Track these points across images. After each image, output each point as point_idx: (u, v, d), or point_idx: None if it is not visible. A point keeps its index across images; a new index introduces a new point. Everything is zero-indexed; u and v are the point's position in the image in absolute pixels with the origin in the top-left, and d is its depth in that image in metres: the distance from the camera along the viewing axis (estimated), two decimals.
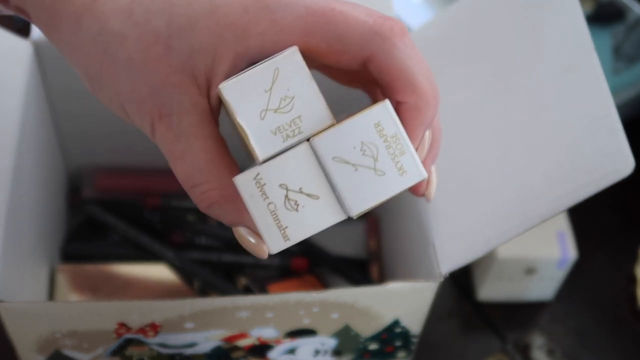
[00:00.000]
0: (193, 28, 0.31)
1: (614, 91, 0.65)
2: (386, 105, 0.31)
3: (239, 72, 0.32)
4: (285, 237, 0.32)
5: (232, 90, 0.31)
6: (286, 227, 0.31)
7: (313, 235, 0.32)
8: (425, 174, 0.31)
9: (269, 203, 0.31)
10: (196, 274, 0.56)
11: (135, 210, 0.60)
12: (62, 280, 0.55)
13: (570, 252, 0.57)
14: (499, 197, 0.44)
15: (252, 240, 0.33)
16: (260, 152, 0.31)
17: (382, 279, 0.59)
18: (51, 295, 0.55)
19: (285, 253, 0.58)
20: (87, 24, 0.32)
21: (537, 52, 0.45)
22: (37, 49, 0.50)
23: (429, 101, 0.32)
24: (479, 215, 0.44)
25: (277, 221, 0.31)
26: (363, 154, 0.31)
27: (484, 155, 0.46)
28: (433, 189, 0.35)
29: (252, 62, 0.32)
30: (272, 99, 0.31)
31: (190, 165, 0.32)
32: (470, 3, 0.50)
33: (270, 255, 0.61)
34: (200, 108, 0.32)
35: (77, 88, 0.54)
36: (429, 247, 0.45)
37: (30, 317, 0.43)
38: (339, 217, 0.32)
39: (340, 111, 0.35)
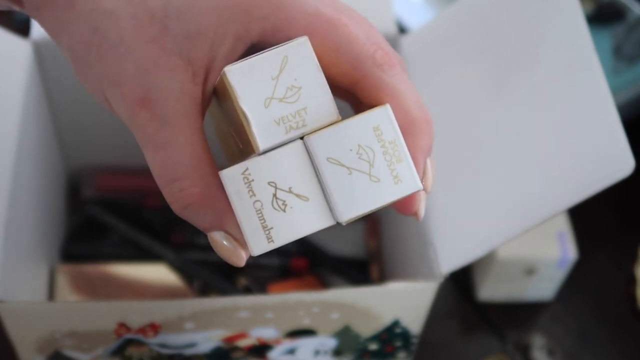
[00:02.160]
0: (191, 9, 0.30)
1: (614, 91, 0.65)
2: (387, 109, 0.30)
3: (238, 56, 0.31)
4: (269, 239, 0.29)
5: (238, 74, 0.29)
6: (271, 228, 0.29)
7: (310, 235, 0.31)
8: (420, 186, 0.30)
9: (256, 201, 0.29)
10: (196, 274, 0.56)
11: (135, 210, 0.60)
12: (62, 280, 0.55)
13: (570, 252, 0.57)
14: (499, 198, 0.44)
15: (229, 245, 0.31)
16: (261, 142, 0.29)
17: (382, 279, 0.59)
18: (51, 295, 0.55)
19: (285, 253, 0.58)
20: (81, 1, 0.30)
21: (537, 52, 0.45)
22: (37, 49, 0.50)
23: (421, 127, 0.31)
24: (479, 215, 0.44)
25: (263, 221, 0.29)
26: (359, 158, 0.30)
27: (483, 155, 0.46)
28: (423, 209, 0.33)
29: (252, 47, 0.31)
30: (278, 87, 0.30)
31: (172, 157, 0.30)
32: (470, 3, 0.50)
33: (269, 256, 0.61)
34: (190, 97, 0.30)
35: (77, 88, 0.54)
36: (429, 247, 0.45)
37: (30, 317, 0.43)
38: (328, 222, 0.30)
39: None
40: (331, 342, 0.48)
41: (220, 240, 0.31)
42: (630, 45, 0.69)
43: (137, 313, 0.43)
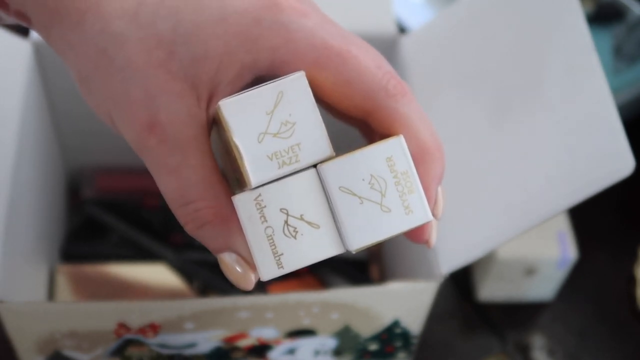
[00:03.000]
0: (199, 35, 0.30)
1: (614, 91, 0.65)
2: (400, 140, 0.30)
3: (243, 85, 0.31)
4: (279, 265, 0.30)
5: (232, 109, 0.29)
6: (282, 254, 0.30)
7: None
8: (431, 217, 0.30)
9: (267, 227, 0.30)
10: (196, 274, 0.56)
11: (135, 210, 0.60)
12: (62, 280, 0.55)
13: (570, 252, 0.57)
14: (499, 198, 0.44)
15: (239, 269, 0.31)
16: (253, 177, 0.29)
17: (382, 279, 0.59)
18: (51, 295, 0.55)
19: None
20: (90, 21, 0.30)
21: (538, 52, 0.45)
22: (37, 49, 0.50)
23: (434, 155, 0.32)
24: (479, 215, 0.44)
25: (273, 247, 0.30)
26: (371, 187, 0.30)
27: (483, 155, 0.46)
28: (435, 237, 0.34)
29: (258, 77, 0.31)
30: (272, 122, 0.30)
31: (186, 180, 0.30)
32: (470, 3, 0.50)
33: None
34: (197, 121, 0.30)
35: (77, 88, 0.54)
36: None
37: (30, 317, 0.43)
38: (338, 249, 0.30)
39: (338, 140, 0.34)
40: (331, 342, 0.48)
41: (230, 263, 0.31)
42: (630, 45, 0.69)
43: (137, 313, 0.43)
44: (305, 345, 0.48)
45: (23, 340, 0.45)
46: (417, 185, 0.30)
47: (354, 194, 0.30)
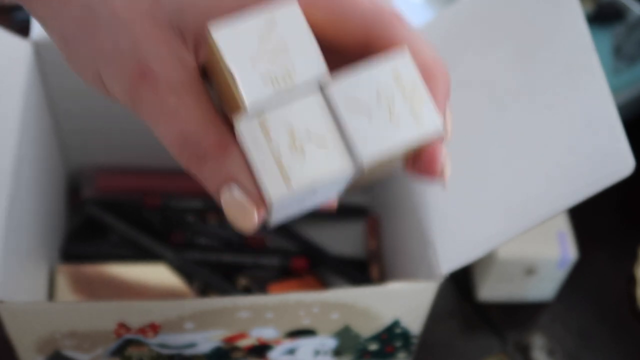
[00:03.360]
0: None
1: (614, 91, 0.65)
2: (405, 54, 0.30)
3: None
4: (288, 183, 0.28)
5: (223, 34, 0.29)
6: (289, 172, 0.28)
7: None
8: (441, 126, 0.29)
9: (272, 146, 0.29)
10: (196, 274, 0.56)
11: (135, 210, 0.60)
12: (61, 280, 0.55)
13: (570, 252, 0.57)
14: (499, 198, 0.44)
15: (245, 202, 0.29)
16: (247, 97, 0.28)
17: (382, 279, 0.59)
18: (51, 295, 0.55)
19: (285, 253, 0.58)
20: None
21: (537, 52, 0.45)
22: (37, 49, 0.50)
23: (439, 70, 0.31)
24: (479, 215, 0.44)
25: (280, 166, 0.29)
26: (378, 103, 0.29)
27: (484, 155, 0.46)
28: (449, 170, 0.32)
29: None
30: (265, 46, 0.29)
31: (184, 121, 0.30)
32: (470, 3, 0.50)
33: (269, 255, 0.61)
34: (187, 64, 0.30)
35: (77, 88, 0.54)
36: (429, 247, 0.45)
37: (30, 317, 0.43)
38: (348, 165, 0.29)
39: None
40: (331, 342, 0.48)
41: (232, 199, 0.30)
42: (630, 45, 0.69)
43: (137, 313, 0.43)
44: (305, 345, 0.48)
45: (23, 340, 0.45)
46: (425, 96, 0.29)
47: (362, 110, 0.29)
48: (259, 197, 0.29)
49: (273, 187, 0.28)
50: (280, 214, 0.31)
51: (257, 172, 0.29)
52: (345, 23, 0.31)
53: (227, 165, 0.29)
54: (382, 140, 0.29)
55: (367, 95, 0.29)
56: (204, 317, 0.44)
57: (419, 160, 0.31)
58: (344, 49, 0.32)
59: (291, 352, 0.48)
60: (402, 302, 0.46)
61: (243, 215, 0.29)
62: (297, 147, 0.29)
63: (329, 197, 0.33)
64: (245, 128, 0.29)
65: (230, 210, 0.30)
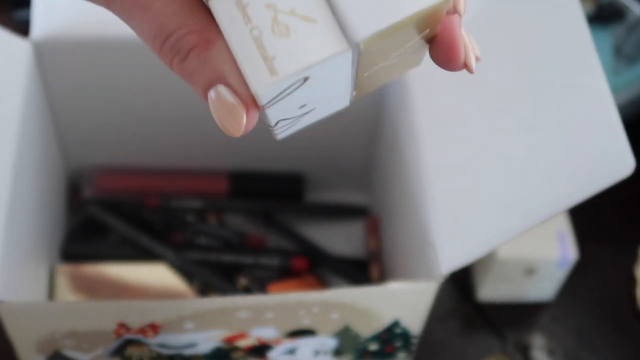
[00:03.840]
0: None
1: (614, 91, 0.65)
2: None
3: None
4: (272, 71, 0.25)
5: None
6: (274, 57, 0.25)
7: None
8: None
9: (253, 28, 0.25)
10: (196, 274, 0.56)
11: (135, 210, 0.60)
12: (61, 280, 0.55)
13: (570, 252, 0.57)
14: (499, 197, 0.44)
15: (232, 101, 0.26)
16: None
17: (382, 279, 0.59)
18: (51, 295, 0.55)
19: (285, 253, 0.58)
20: None
21: (537, 52, 0.45)
22: (37, 49, 0.50)
23: None
24: (479, 215, 0.44)
25: (262, 50, 0.25)
26: None
27: (484, 155, 0.46)
28: (473, 57, 0.29)
29: None
30: None
31: (162, 13, 0.27)
32: (470, 3, 0.50)
33: (269, 255, 0.61)
34: None
35: (77, 88, 0.55)
36: (429, 247, 0.45)
37: (30, 317, 0.43)
38: (341, 45, 0.25)
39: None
40: (331, 342, 0.48)
41: (218, 99, 0.27)
42: (630, 45, 0.69)
43: (137, 313, 0.43)
44: (305, 345, 0.48)
45: (23, 340, 0.45)
46: None
47: None
48: (248, 96, 0.26)
49: (256, 76, 0.25)
50: (276, 115, 0.27)
51: (238, 58, 0.25)
52: None
53: (212, 59, 0.27)
54: (380, 14, 0.25)
55: None
56: (204, 317, 0.44)
57: (437, 46, 0.28)
58: None
59: (291, 352, 0.48)
60: (402, 302, 0.46)
61: (231, 117, 0.27)
62: (280, 27, 0.25)
63: (335, 99, 0.29)
64: (220, 7, 0.25)
65: (216, 110, 0.27)
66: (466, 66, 0.29)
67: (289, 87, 0.25)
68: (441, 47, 0.28)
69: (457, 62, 0.28)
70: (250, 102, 0.26)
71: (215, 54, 0.26)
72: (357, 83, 0.28)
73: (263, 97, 0.25)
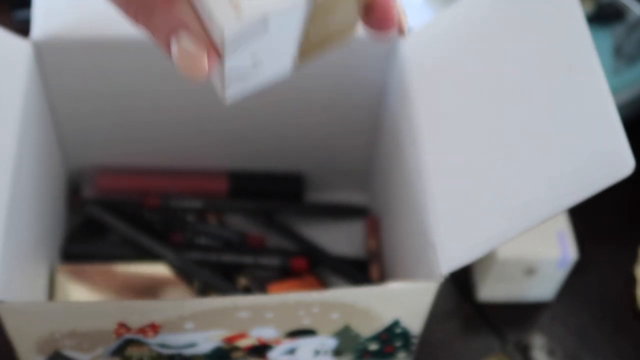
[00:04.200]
0: None
1: (614, 91, 0.65)
2: None
3: None
4: (238, 13, 0.25)
5: None
6: (240, 2, 0.25)
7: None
8: None
9: None
10: (196, 274, 0.56)
11: (135, 210, 0.60)
12: (61, 280, 0.55)
13: (570, 252, 0.57)
14: (499, 197, 0.44)
15: (194, 48, 0.28)
16: None
17: (382, 279, 0.59)
18: (51, 295, 0.55)
19: (285, 253, 0.58)
20: None
21: (537, 52, 0.45)
22: (37, 49, 0.50)
23: None
24: (479, 215, 0.44)
25: None
26: None
27: (484, 155, 0.46)
28: (405, 20, 0.30)
29: None
30: None
31: None
32: (470, 3, 0.50)
33: (269, 255, 0.61)
34: None
35: (77, 88, 0.55)
36: (429, 247, 0.45)
37: (30, 317, 0.43)
38: None
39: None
40: (331, 342, 0.48)
41: (182, 46, 0.28)
42: (630, 45, 0.69)
43: (137, 313, 0.43)
44: (305, 345, 0.48)
45: (23, 340, 0.45)
46: None
47: None
48: (208, 41, 0.28)
49: (223, 16, 0.26)
50: (232, 65, 0.28)
51: (206, 4, 0.26)
52: None
53: (175, 13, 0.28)
54: None
55: None
56: (204, 317, 0.44)
57: (373, 11, 0.29)
58: None
59: (291, 352, 0.48)
60: (402, 302, 0.46)
61: (194, 63, 0.28)
62: None
63: (282, 57, 0.29)
64: None
65: (180, 58, 0.28)
66: (399, 28, 0.31)
67: (250, 32, 0.26)
68: (377, 11, 0.30)
69: (390, 23, 0.30)
70: (211, 47, 0.28)
71: (178, 8, 0.28)
72: (301, 46, 0.29)
73: (228, 38, 0.26)
